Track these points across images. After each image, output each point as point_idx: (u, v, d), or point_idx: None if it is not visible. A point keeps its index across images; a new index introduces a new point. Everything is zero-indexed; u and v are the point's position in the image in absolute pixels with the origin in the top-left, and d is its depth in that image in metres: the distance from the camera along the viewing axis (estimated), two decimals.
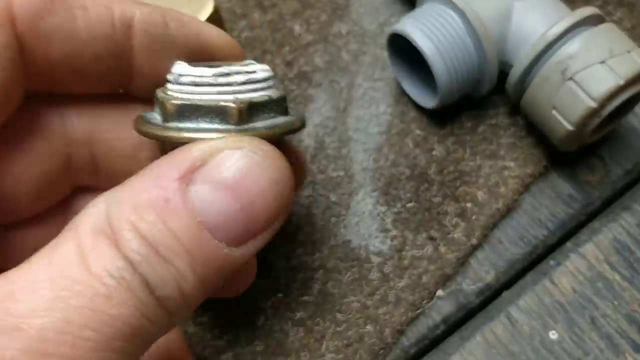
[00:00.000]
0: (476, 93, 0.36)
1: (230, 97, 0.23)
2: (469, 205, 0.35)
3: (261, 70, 0.24)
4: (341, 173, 0.36)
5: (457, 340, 0.34)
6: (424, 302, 0.34)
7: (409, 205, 0.35)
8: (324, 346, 0.32)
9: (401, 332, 0.33)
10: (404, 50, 0.36)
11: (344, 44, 0.39)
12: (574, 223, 0.36)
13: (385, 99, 0.38)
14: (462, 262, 0.35)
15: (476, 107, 0.38)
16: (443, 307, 0.34)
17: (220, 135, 0.22)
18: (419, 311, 0.33)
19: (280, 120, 0.24)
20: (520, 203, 0.36)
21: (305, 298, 0.34)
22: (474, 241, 0.35)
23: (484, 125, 0.37)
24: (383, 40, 0.39)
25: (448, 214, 0.35)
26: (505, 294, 0.35)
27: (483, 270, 0.35)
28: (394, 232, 0.35)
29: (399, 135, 0.37)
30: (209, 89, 0.23)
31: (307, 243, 0.35)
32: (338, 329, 0.33)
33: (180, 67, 0.23)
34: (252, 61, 0.24)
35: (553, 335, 0.33)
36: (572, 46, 0.32)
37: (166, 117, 0.23)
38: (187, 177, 0.21)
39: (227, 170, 0.22)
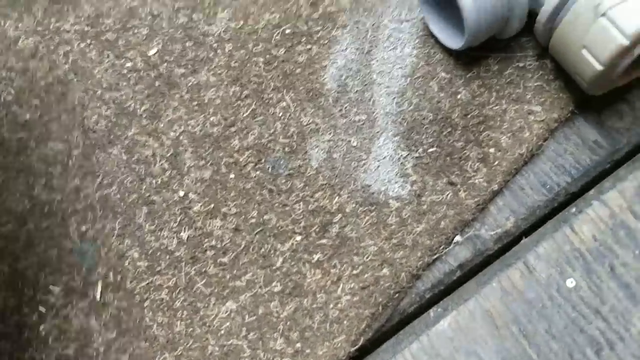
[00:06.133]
0: (504, 34, 0.35)
1: None
2: (491, 150, 0.35)
3: None
4: (363, 117, 0.36)
5: (473, 286, 0.34)
6: (442, 247, 0.34)
7: (430, 150, 0.35)
8: (340, 288, 0.33)
9: (417, 277, 0.34)
10: None
11: None
12: (599, 170, 0.35)
13: (411, 41, 0.37)
14: (482, 208, 0.34)
15: (504, 49, 0.37)
16: (460, 252, 0.34)
17: None
18: (435, 256, 0.34)
19: None
20: (544, 149, 0.35)
21: (324, 241, 0.34)
22: (495, 187, 0.34)
23: (511, 69, 0.36)
24: None
25: (470, 159, 0.35)
26: (524, 241, 0.34)
27: (503, 217, 0.35)
28: (414, 177, 0.35)
29: (423, 78, 0.36)
30: None
31: (327, 187, 0.35)
32: (355, 271, 0.33)
33: None
34: None
35: (570, 283, 0.33)
36: None
37: None
38: None
39: None
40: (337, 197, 0.35)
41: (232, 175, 0.35)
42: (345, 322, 0.33)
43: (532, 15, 0.34)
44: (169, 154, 0.36)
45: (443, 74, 0.36)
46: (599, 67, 0.31)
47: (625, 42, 0.30)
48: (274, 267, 0.34)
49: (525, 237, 0.35)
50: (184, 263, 0.34)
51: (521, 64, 0.36)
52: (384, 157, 0.35)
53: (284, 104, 0.37)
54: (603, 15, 0.30)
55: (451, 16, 0.35)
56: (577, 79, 0.34)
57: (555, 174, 0.35)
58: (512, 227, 0.34)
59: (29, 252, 0.34)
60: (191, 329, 0.33)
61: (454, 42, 0.35)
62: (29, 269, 0.34)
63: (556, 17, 0.33)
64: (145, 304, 0.33)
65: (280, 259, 0.34)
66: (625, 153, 0.35)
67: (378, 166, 0.35)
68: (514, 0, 0.33)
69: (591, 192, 0.35)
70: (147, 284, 0.33)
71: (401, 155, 0.35)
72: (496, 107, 0.36)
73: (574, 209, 0.35)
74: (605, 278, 0.33)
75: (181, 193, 0.35)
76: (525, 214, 0.35)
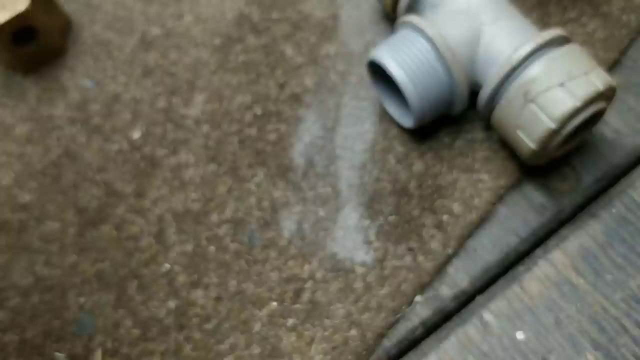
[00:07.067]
0: (452, 112, 0.39)
1: None
2: (445, 217, 0.39)
3: None
4: (329, 189, 0.40)
5: (433, 341, 0.38)
6: (403, 307, 0.38)
7: (390, 218, 0.39)
8: (313, 349, 0.37)
9: (383, 335, 0.37)
10: (384, 72, 0.39)
11: (332, 65, 0.42)
12: (544, 231, 0.39)
13: (369, 117, 0.41)
14: (439, 270, 0.38)
15: (453, 122, 0.40)
16: (421, 311, 0.38)
17: None
18: (398, 316, 0.37)
19: None
20: (494, 213, 0.39)
21: (297, 306, 0.38)
22: (450, 250, 0.38)
23: (461, 141, 0.40)
24: None
25: (426, 226, 0.39)
26: (478, 298, 0.38)
27: (459, 277, 0.38)
28: (376, 244, 0.39)
29: (382, 152, 0.40)
30: None
31: (298, 256, 0.39)
32: (326, 333, 0.37)
33: None
34: None
35: (520, 335, 0.37)
36: (533, 70, 0.35)
37: None
38: None
39: None
40: (307, 265, 0.39)
41: (212, 248, 0.39)
42: None
43: (476, 93, 0.38)
44: (154, 230, 0.40)
45: (399, 148, 0.40)
46: (532, 146, 0.35)
47: (553, 125, 0.34)
48: (252, 332, 0.38)
49: (480, 294, 0.38)
50: (172, 330, 0.38)
51: (470, 136, 0.40)
52: (349, 226, 0.39)
53: (258, 179, 0.40)
54: (531, 101, 0.34)
55: (402, 97, 0.39)
56: (517, 153, 0.37)
57: (505, 236, 0.39)
58: (467, 286, 0.38)
59: (35, 323, 0.38)
60: None
61: (406, 121, 0.39)
62: (35, 339, 0.38)
63: (493, 99, 0.36)
64: None
65: (259, 324, 0.38)
66: (568, 214, 0.39)
67: (344, 234, 0.39)
68: (454, 86, 0.37)
69: (537, 251, 0.39)
70: (141, 349, 0.37)
71: (364, 224, 0.39)
72: (448, 177, 0.39)
73: (522, 267, 0.38)
74: (552, 330, 0.37)
75: (167, 266, 0.39)
76: (479, 274, 0.38)
